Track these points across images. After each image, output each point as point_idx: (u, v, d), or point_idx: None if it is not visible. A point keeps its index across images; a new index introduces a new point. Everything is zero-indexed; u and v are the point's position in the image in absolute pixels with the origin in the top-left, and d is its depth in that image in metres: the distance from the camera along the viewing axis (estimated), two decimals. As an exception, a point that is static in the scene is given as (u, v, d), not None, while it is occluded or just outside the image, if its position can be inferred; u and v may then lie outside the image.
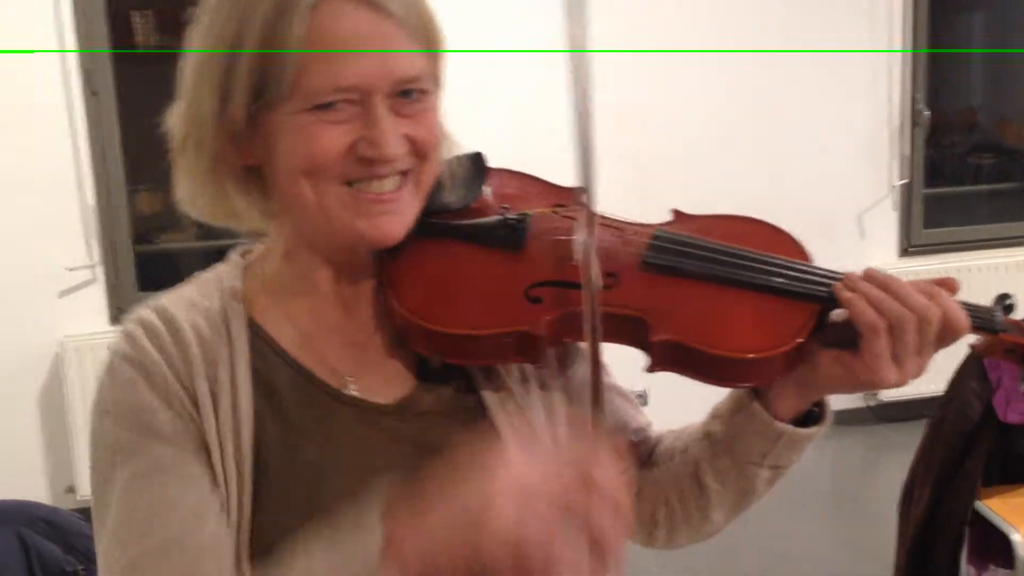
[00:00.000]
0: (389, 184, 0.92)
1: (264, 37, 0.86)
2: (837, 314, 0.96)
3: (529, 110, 3.86)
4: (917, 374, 0.93)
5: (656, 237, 1.01)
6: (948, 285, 0.94)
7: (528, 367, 1.03)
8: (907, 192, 4.58)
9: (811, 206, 4.13)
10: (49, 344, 3.67)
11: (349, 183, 0.91)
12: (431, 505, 0.77)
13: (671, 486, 1.08)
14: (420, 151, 0.93)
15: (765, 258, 0.98)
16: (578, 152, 0.85)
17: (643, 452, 1.12)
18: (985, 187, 5.79)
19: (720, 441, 1.03)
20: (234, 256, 1.02)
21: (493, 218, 1.01)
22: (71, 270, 3.69)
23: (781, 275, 0.97)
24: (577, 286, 0.91)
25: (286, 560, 0.86)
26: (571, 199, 1.04)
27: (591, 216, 0.88)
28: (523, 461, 0.76)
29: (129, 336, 0.93)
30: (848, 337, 0.93)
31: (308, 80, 0.87)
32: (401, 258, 0.98)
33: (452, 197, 1.01)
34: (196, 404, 0.90)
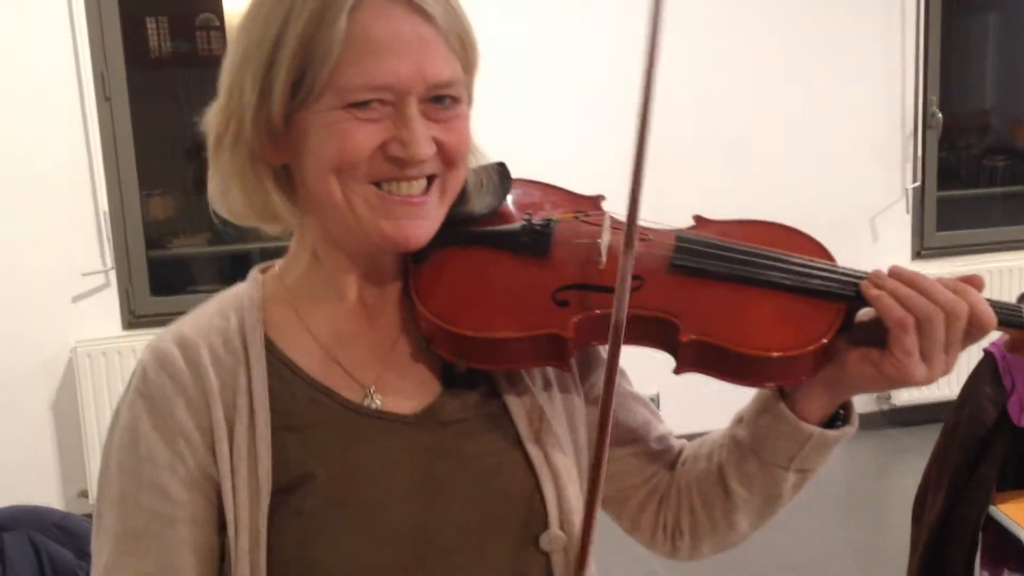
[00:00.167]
0: (416, 187, 0.93)
1: (306, 33, 0.87)
2: (864, 313, 0.96)
3: (540, 118, 3.85)
4: (945, 371, 0.93)
5: (680, 239, 1.01)
6: (974, 282, 0.94)
7: (551, 373, 1.03)
8: (920, 195, 4.57)
9: (824, 209, 4.12)
10: (62, 349, 3.69)
11: (377, 184, 0.91)
12: None
13: (696, 493, 1.07)
14: (449, 157, 0.93)
15: (791, 258, 0.99)
16: (633, 163, 0.88)
17: (666, 460, 1.12)
18: (998, 190, 5.77)
19: (746, 445, 1.02)
20: (254, 273, 1.03)
21: (518, 224, 1.01)
22: (84, 275, 3.70)
23: (808, 274, 0.97)
24: (604, 289, 0.91)
25: None
26: (591, 207, 1.06)
27: (633, 221, 0.88)
28: None
29: (143, 368, 0.95)
30: (875, 335, 0.93)
31: (344, 77, 0.87)
32: (427, 264, 0.98)
33: (478, 206, 1.02)
34: (211, 431, 0.92)
